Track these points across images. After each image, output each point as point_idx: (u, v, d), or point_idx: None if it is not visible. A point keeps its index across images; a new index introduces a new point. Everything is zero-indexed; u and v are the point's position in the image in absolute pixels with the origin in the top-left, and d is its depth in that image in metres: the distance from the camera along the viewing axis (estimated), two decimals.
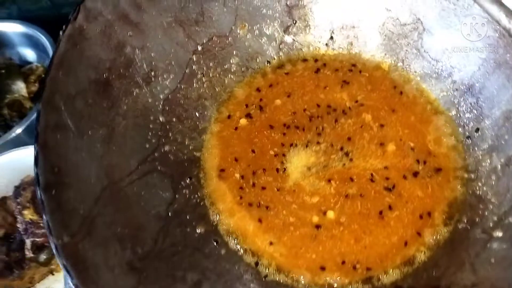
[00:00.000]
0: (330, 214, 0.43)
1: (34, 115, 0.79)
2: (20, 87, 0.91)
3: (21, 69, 0.95)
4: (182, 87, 0.48)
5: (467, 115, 0.46)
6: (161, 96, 0.47)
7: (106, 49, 0.43)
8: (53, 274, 0.78)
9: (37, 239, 0.77)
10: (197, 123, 0.48)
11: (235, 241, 0.43)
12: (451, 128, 0.46)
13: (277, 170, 0.45)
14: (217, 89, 0.50)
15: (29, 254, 0.77)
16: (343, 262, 0.41)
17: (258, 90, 0.50)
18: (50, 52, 0.86)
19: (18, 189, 0.80)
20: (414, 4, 0.48)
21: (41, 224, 0.76)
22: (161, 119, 0.46)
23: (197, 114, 0.49)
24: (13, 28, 0.90)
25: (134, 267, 0.36)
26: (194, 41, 0.49)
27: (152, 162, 0.44)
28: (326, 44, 0.52)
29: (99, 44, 0.43)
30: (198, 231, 0.43)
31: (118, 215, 0.39)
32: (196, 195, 0.45)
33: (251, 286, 0.40)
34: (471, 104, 0.46)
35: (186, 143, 0.47)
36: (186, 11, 0.48)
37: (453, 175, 0.44)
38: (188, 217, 0.43)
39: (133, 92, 0.45)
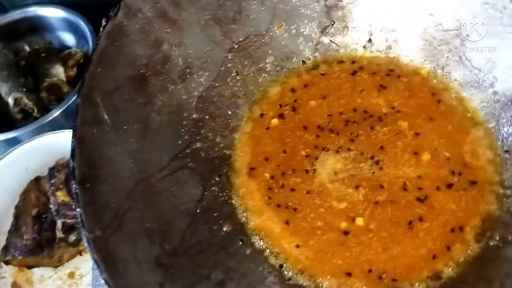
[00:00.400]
0: (359, 221, 0.43)
1: (72, 99, 0.82)
2: (59, 71, 0.94)
3: (60, 53, 0.97)
4: (216, 85, 0.49)
5: (507, 128, 0.44)
6: (195, 93, 0.47)
7: (144, 45, 0.44)
8: (81, 255, 0.81)
9: (68, 220, 0.79)
10: (229, 121, 0.49)
11: (261, 242, 0.43)
12: (489, 141, 0.45)
13: (307, 171, 0.45)
14: (250, 88, 0.50)
15: (59, 234, 0.80)
16: (370, 271, 0.41)
17: (293, 90, 0.50)
18: (89, 38, 0.88)
19: (53, 171, 0.83)
20: (458, 10, 0.46)
21: (73, 206, 0.78)
22: (194, 116, 0.47)
23: (229, 112, 0.49)
24: (54, 13, 0.92)
25: (161, 263, 0.37)
26: (230, 39, 0.49)
27: (183, 158, 0.44)
28: (364, 47, 0.51)
29: (137, 41, 0.43)
30: (224, 229, 0.43)
31: (148, 210, 0.40)
32: (225, 193, 0.45)
33: None
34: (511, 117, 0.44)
35: (217, 140, 0.47)
36: (223, 9, 0.48)
37: (489, 189, 0.43)
38: (215, 215, 0.44)
39: (168, 88, 0.45)
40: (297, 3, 0.50)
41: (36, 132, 0.84)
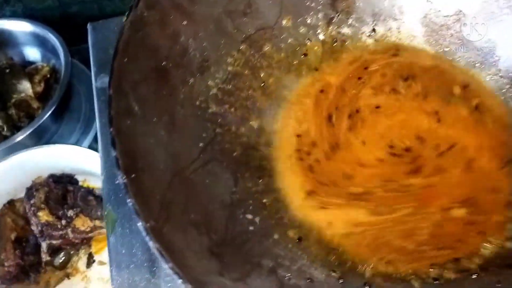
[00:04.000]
0: None
1: (44, 117, 0.77)
2: (26, 87, 0.89)
3: (25, 69, 0.92)
4: (232, 77, 0.48)
5: None
6: (214, 86, 0.47)
7: (163, 37, 0.43)
8: (69, 278, 0.76)
9: (54, 242, 0.74)
10: (249, 112, 0.48)
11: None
12: None
13: None
14: (264, 80, 0.50)
15: (45, 257, 0.75)
16: None
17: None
18: (60, 51, 0.84)
19: (31, 191, 0.78)
20: None
21: (59, 226, 0.73)
22: (214, 108, 0.46)
23: (247, 104, 0.48)
24: (19, 27, 0.87)
25: (214, 252, 0.36)
26: (242, 32, 0.49)
27: (211, 151, 0.43)
28: (369, 35, 0.53)
29: (157, 32, 0.42)
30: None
31: (189, 202, 0.38)
32: (256, 183, 0.44)
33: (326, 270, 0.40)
34: None
35: (240, 132, 0.47)
36: (234, 2, 0.48)
37: None
38: (250, 206, 0.43)
39: (188, 81, 0.44)
40: None
41: (6, 152, 0.78)
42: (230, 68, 0.48)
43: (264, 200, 0.44)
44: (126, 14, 0.39)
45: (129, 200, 0.32)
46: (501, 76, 0.48)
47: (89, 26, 0.63)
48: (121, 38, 0.39)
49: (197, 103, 0.45)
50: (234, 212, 0.41)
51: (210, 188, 0.41)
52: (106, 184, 0.49)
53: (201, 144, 0.43)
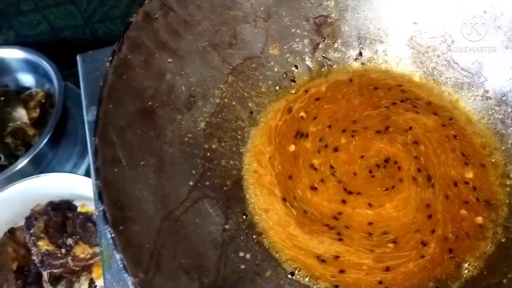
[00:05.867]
0: None
1: (41, 145, 0.78)
2: (21, 114, 0.89)
3: (19, 95, 0.93)
4: (220, 110, 0.48)
5: (505, 123, 0.47)
6: (202, 120, 0.47)
7: (149, 77, 0.43)
8: None
9: (55, 270, 0.75)
10: (238, 144, 0.48)
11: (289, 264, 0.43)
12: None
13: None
14: (252, 109, 0.50)
15: (47, 286, 0.75)
16: None
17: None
18: (53, 77, 0.84)
19: (30, 220, 0.78)
20: (441, 17, 0.49)
21: (59, 255, 0.74)
22: (203, 143, 0.46)
23: (236, 135, 0.49)
24: (11, 54, 0.88)
25: None
26: (228, 63, 0.49)
27: (201, 188, 0.43)
28: (356, 59, 0.53)
29: (142, 73, 0.42)
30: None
31: (179, 245, 0.38)
32: (245, 218, 0.45)
33: None
34: (505, 112, 0.47)
35: (229, 166, 0.47)
36: (219, 34, 0.48)
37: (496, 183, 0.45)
38: (242, 242, 0.43)
39: (176, 118, 0.45)
40: (288, 23, 0.51)
41: (5, 182, 0.79)
42: (218, 101, 0.48)
43: (255, 236, 0.44)
44: (109, 59, 0.40)
45: (117, 255, 0.32)
46: (488, 98, 0.48)
47: (78, 58, 0.63)
48: (105, 84, 0.39)
49: (186, 139, 0.45)
50: (226, 251, 0.41)
51: (200, 228, 0.41)
52: (100, 221, 0.49)
53: (191, 182, 0.43)
